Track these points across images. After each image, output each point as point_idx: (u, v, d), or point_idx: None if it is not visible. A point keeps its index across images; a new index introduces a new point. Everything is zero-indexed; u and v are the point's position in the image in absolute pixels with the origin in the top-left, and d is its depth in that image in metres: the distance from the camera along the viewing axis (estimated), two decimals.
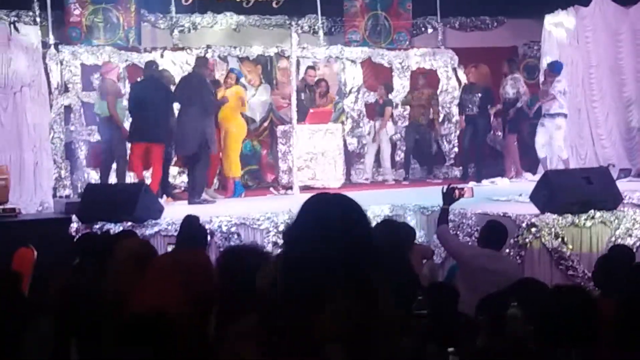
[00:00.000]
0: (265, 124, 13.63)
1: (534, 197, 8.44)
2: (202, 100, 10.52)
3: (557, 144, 12.20)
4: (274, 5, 14.67)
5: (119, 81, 12.04)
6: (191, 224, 6.02)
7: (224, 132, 11.50)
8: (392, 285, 2.70)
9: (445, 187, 6.03)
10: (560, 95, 12.17)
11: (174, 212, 9.16)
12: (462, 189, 6.11)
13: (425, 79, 14.10)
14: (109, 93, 11.23)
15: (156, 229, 8.52)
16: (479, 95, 12.93)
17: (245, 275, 3.43)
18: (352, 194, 10.54)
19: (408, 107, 14.11)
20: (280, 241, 8.74)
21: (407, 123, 14.12)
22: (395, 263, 4.85)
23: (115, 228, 8.12)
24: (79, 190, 11.91)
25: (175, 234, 8.41)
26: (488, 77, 13.51)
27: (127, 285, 4.38)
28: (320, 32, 14.61)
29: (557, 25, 13.46)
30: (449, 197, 6.04)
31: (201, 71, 10.89)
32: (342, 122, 13.73)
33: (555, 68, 12.47)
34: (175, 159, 11.98)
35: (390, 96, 13.97)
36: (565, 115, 12.24)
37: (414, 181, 13.68)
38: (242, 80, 13.20)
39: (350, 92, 14.48)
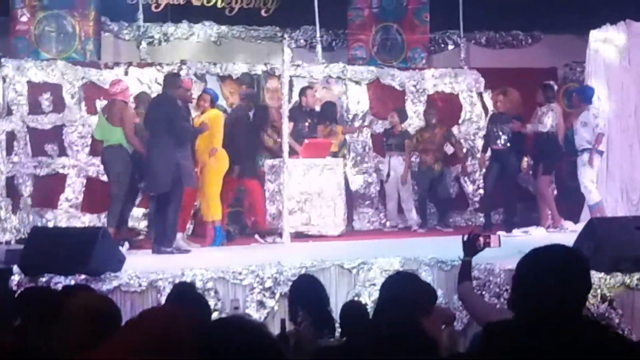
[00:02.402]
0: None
1: None
2: (173, 127, 10.56)
3: (583, 184, 12.25)
4: (262, 13, 14.79)
5: (132, 103, 12.02)
6: (185, 295, 5.97)
7: (201, 166, 11.52)
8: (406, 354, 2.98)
9: (467, 235, 6.02)
10: (582, 126, 12.26)
11: (137, 263, 9.14)
12: (488, 236, 6.10)
13: (438, 114, 14.09)
14: (124, 119, 11.24)
15: (115, 283, 8.48)
16: (510, 126, 12.95)
17: (232, 356, 3.41)
18: (354, 243, 10.56)
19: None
20: (267, 300, 8.74)
21: (416, 167, 14.12)
22: (407, 327, 4.83)
23: (65, 282, 8.10)
24: (23, 235, 11.89)
25: (139, 289, 8.47)
26: (519, 104, 13.54)
27: (81, 351, 4.34)
28: (319, 47, 14.71)
29: (605, 43, 13.52)
30: (472, 247, 6.01)
31: (172, 92, 10.91)
32: (344, 157, 13.75)
33: (585, 96, 12.54)
34: (139, 198, 11.99)
35: (404, 125, 14.00)
36: (599, 152, 12.30)
37: (429, 229, 13.67)
38: (223, 103, 13.28)
39: (353, 119, 14.53)
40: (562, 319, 3.25)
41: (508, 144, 12.92)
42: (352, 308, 6.31)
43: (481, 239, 5.95)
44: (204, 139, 11.45)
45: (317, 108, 13.67)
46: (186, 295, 6.00)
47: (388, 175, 13.89)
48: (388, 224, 14.09)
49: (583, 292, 3.41)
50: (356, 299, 8.64)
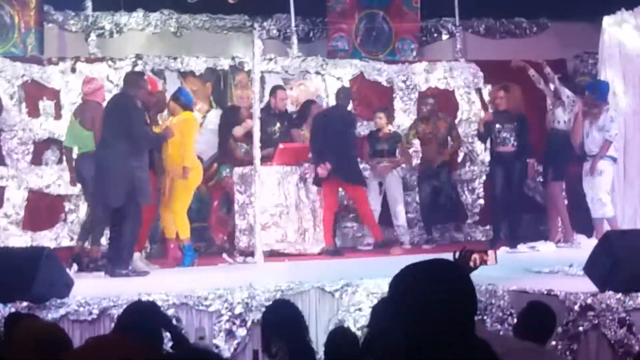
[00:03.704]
0: (217, 165, 13.65)
1: (591, 269, 8.46)
2: (130, 133, 10.54)
3: (597, 196, 12.30)
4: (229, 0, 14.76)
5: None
6: (143, 317, 5.94)
7: (170, 178, 11.56)
8: None
9: (459, 251, 6.04)
10: (597, 130, 12.34)
11: (87, 288, 9.12)
12: (484, 252, 6.11)
13: (437, 100, 14.15)
14: (96, 121, 11.25)
15: (62, 311, 8.44)
16: (514, 125, 12.99)
17: None
18: (337, 262, 10.52)
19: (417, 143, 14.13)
20: (237, 329, 8.73)
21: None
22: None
23: (4, 310, 8.06)
24: None
25: (90, 318, 8.44)
26: (522, 100, 13.55)
27: None
28: (294, 38, 14.71)
29: (621, 31, 13.58)
30: (465, 265, 6.06)
31: (132, 93, 10.88)
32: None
33: (600, 92, 12.58)
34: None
35: (393, 126, 13.94)
36: (612, 158, 12.37)
37: (422, 246, 13.70)
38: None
39: None
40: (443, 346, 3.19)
41: (512, 146, 12.96)
42: (341, 335, 6.30)
43: (476, 255, 5.97)
44: (175, 146, 11.44)
45: (291, 108, 13.67)
46: (141, 319, 5.96)
47: (381, 185, 13.73)
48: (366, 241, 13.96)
49: (466, 315, 3.28)
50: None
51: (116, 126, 10.67)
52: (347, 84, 14.52)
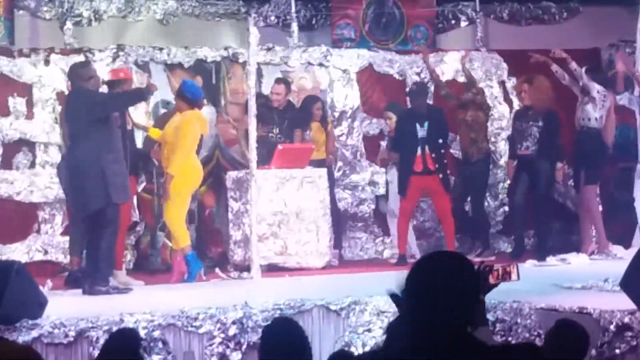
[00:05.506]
0: (209, 168, 13.64)
1: (628, 284, 8.44)
2: (93, 122, 10.52)
3: None
4: None
5: None
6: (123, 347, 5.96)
7: (165, 179, 11.60)
8: None
9: (476, 267, 6.04)
10: None
11: (62, 307, 9.11)
12: (506, 268, 6.10)
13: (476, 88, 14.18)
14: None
15: (35, 333, 8.43)
16: (539, 124, 12.97)
17: None
18: (343, 277, 10.50)
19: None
20: (231, 353, 8.73)
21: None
22: None
23: None
24: None
25: (66, 341, 8.43)
26: (550, 95, 13.48)
27: None
28: (294, 26, 14.71)
29: None
30: (484, 282, 6.05)
31: (81, 86, 10.83)
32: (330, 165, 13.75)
33: None
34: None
35: None
36: None
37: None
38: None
39: (340, 118, 14.53)
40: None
41: (535, 148, 12.93)
42: (341, 359, 6.28)
43: (496, 272, 5.96)
44: (169, 143, 11.49)
45: (297, 104, 13.67)
46: (126, 349, 5.98)
47: (387, 190, 13.79)
48: (387, 252, 13.99)
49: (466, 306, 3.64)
50: (346, 348, 8.62)
51: (78, 122, 10.64)
52: (354, 77, 14.53)
